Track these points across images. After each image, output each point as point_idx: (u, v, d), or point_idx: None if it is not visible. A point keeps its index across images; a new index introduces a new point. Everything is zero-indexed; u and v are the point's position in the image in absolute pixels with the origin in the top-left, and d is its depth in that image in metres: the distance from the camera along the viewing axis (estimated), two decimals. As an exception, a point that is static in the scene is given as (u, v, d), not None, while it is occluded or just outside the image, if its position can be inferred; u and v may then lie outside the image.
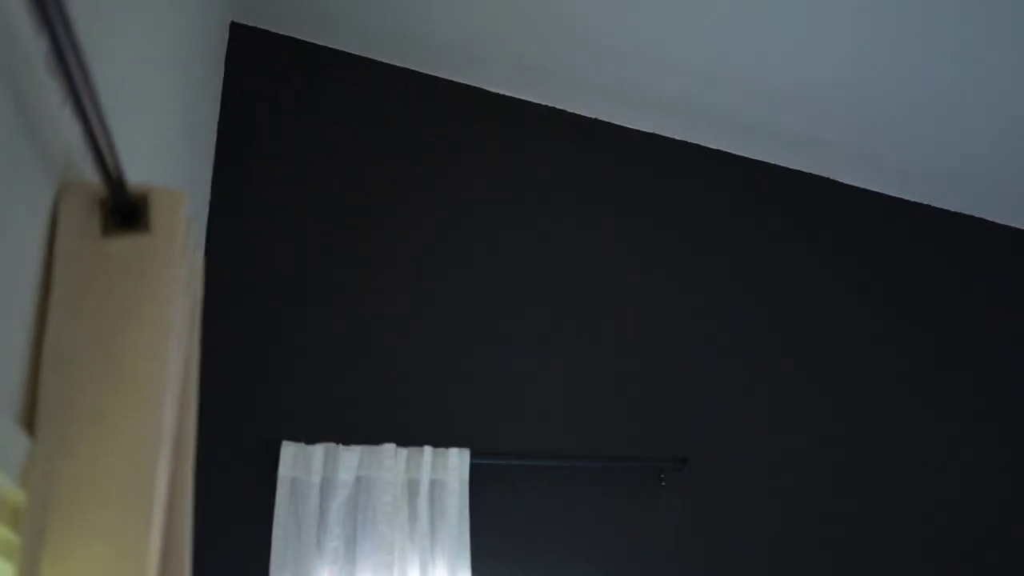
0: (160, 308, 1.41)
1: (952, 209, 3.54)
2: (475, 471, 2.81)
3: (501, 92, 3.28)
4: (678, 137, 3.36)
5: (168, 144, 2.34)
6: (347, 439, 2.78)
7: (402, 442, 2.78)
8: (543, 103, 3.30)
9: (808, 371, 3.22)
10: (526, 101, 3.29)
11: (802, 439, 3.13)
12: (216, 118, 3.10)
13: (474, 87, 3.28)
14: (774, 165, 3.42)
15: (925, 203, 3.53)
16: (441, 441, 2.83)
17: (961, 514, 3.12)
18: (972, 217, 3.54)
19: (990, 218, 3.56)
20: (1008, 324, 3.41)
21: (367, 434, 2.81)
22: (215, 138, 3.10)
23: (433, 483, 2.66)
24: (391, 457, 2.62)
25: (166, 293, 1.42)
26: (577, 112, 3.32)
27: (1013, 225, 3.58)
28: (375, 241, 3.07)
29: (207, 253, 2.97)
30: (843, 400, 3.21)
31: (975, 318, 3.40)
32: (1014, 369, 3.36)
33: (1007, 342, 3.38)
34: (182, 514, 1.56)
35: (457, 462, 2.66)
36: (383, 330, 2.96)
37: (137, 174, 2.03)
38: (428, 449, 2.65)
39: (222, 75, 3.16)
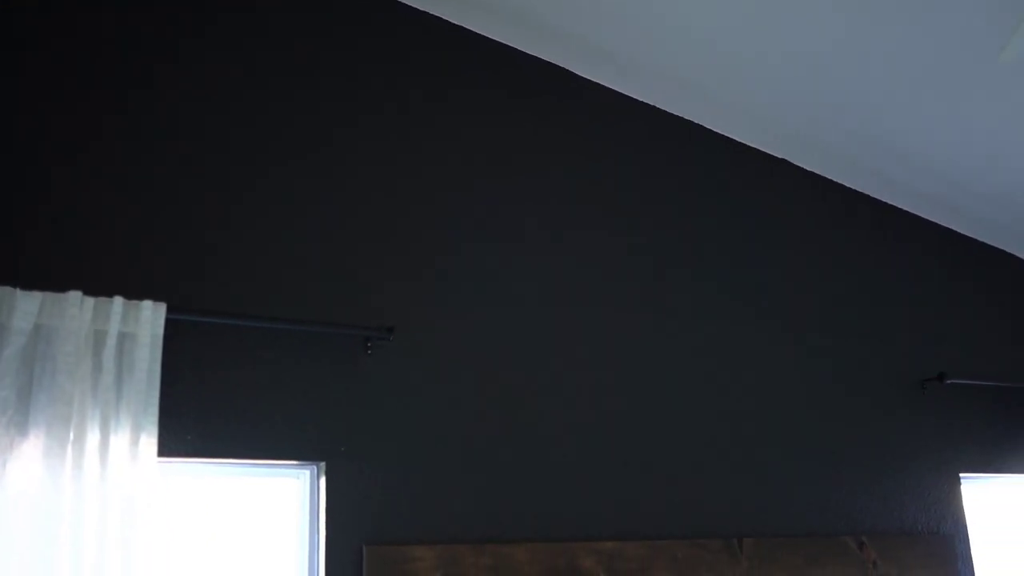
0: None
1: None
2: (173, 327, 2.66)
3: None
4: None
5: None
6: (28, 283, 2.53)
7: (91, 291, 2.58)
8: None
9: (520, 244, 3.29)
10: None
11: (511, 311, 3.21)
12: None
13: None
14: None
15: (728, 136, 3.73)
16: (134, 293, 2.65)
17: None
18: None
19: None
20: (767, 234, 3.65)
21: (51, 279, 2.58)
22: None
23: (122, 336, 2.49)
24: (76, 305, 2.42)
25: None
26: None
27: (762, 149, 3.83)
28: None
29: None
30: (551, 273, 3.31)
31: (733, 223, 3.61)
32: (765, 275, 3.60)
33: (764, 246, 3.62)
34: None
35: (150, 315, 2.50)
36: (71, 165, 2.71)
37: None
38: (118, 300, 2.47)
39: None
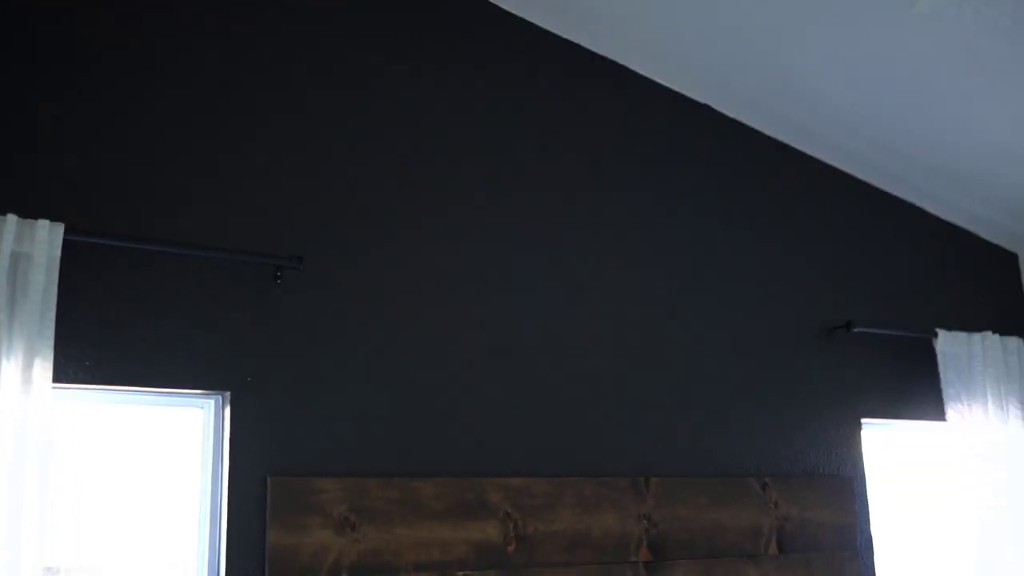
0: None
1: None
2: (73, 250, 2.57)
3: None
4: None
5: None
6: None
7: (-17, 208, 2.47)
8: None
9: (432, 176, 3.25)
10: None
11: (423, 242, 3.17)
12: None
13: None
14: None
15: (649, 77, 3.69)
16: (31, 211, 2.54)
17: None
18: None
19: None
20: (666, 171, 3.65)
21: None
22: None
23: (16, 256, 2.39)
24: (-34, 222, 2.32)
25: None
26: None
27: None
28: None
29: None
30: (462, 205, 3.28)
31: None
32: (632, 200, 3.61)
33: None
34: None
35: (47, 235, 2.41)
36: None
37: None
38: (12, 218, 2.37)
39: None
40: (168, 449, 2.84)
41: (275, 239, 2.92)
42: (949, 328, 4.23)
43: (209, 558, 2.74)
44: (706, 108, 3.90)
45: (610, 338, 3.46)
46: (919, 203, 4.44)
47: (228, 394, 2.79)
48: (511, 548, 3.06)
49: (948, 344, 4.18)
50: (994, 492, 4.07)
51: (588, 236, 3.50)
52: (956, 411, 4.12)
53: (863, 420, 4.01)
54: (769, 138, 4.04)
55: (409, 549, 2.90)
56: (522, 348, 3.27)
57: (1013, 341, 4.37)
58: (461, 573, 2.96)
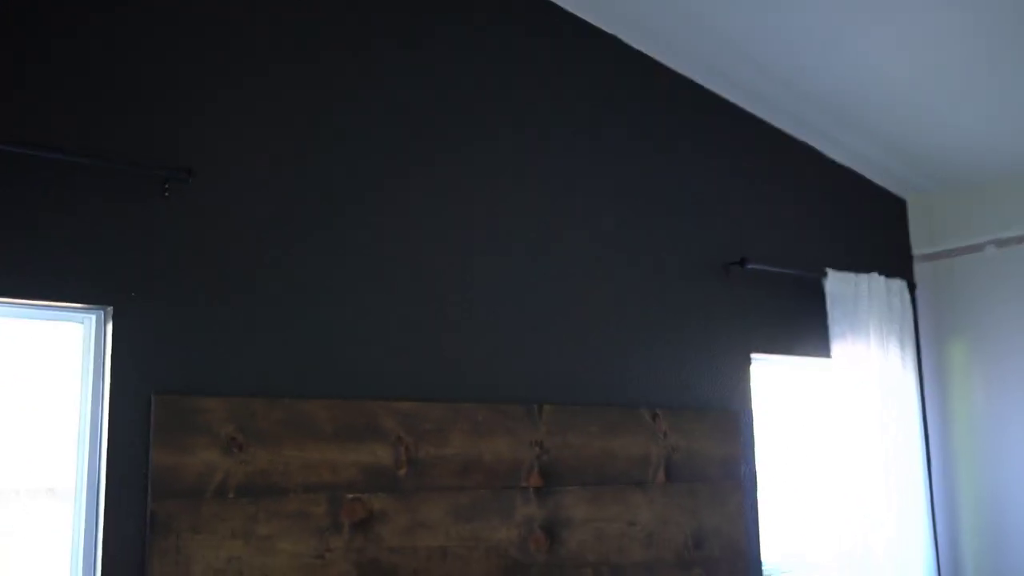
0: None
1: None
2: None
3: None
4: None
5: None
6: None
7: None
8: None
9: (326, 89, 3.16)
10: None
11: (316, 156, 3.08)
12: None
13: None
14: None
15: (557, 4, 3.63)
16: None
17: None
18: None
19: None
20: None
21: None
22: None
23: None
24: None
25: None
26: None
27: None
28: None
29: None
30: (358, 118, 3.20)
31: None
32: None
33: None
34: None
35: (-89, 132, 2.26)
36: None
37: None
38: None
39: None
40: (47, 366, 2.72)
41: (163, 150, 2.79)
42: (838, 268, 4.34)
43: (89, 479, 2.65)
44: (613, 39, 3.87)
45: (506, 267, 3.44)
46: (816, 145, 4.51)
47: (110, 309, 2.68)
48: (402, 472, 3.05)
49: (836, 284, 4.30)
50: (872, 425, 4.23)
51: (484, 165, 3.46)
52: (841, 348, 4.25)
53: (752, 355, 4.10)
54: (672, 72, 4.04)
55: (298, 471, 2.86)
56: (418, 273, 3.23)
57: (897, 283, 4.52)
58: (351, 495, 2.94)
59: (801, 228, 4.41)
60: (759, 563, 3.96)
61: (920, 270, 4.79)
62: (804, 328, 4.29)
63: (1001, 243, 4.52)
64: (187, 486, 2.69)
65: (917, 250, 4.82)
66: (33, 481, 2.69)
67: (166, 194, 2.77)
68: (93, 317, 2.72)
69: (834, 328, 4.25)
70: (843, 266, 4.38)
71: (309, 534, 2.86)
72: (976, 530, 4.48)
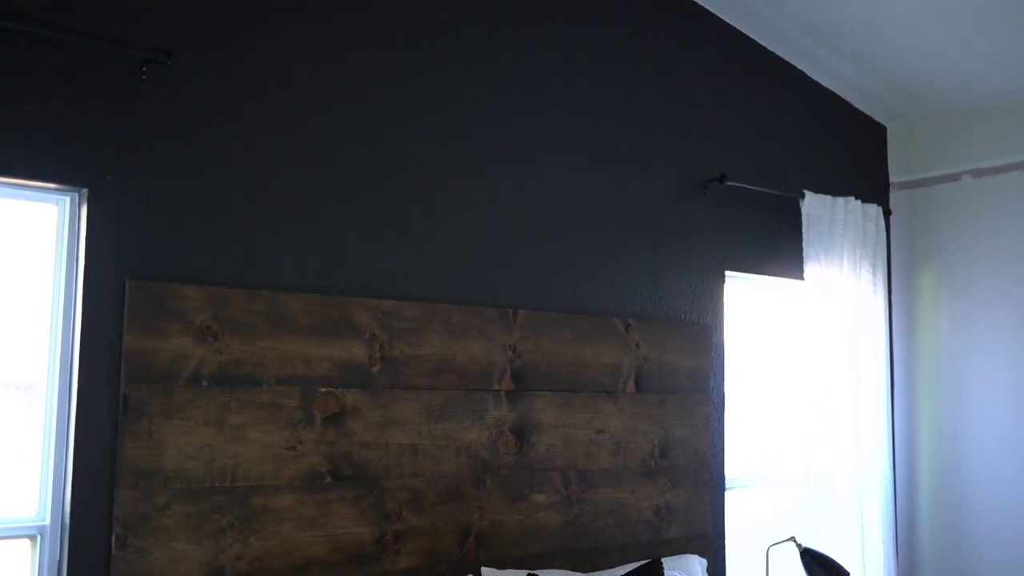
0: None
1: None
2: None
3: None
4: None
5: None
6: None
7: None
8: None
9: (321, -6, 3.09)
10: None
11: (300, 39, 3.03)
12: None
13: None
14: None
15: None
16: None
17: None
18: None
19: None
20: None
21: None
22: None
23: None
24: None
25: None
26: None
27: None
28: None
29: None
30: (347, 7, 3.14)
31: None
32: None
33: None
34: None
35: None
36: None
37: None
38: None
39: None
40: (18, 247, 2.69)
41: (142, 31, 2.73)
42: (815, 191, 4.35)
43: (62, 363, 2.65)
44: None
45: (488, 175, 3.42)
46: (802, 67, 4.49)
47: (85, 191, 2.65)
48: (376, 368, 3.06)
49: (813, 206, 4.32)
50: (841, 349, 4.29)
51: (469, 76, 3.41)
52: (814, 270, 4.28)
53: (727, 272, 4.13)
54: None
55: (272, 362, 2.87)
56: (402, 171, 3.21)
57: (873, 208, 4.54)
58: (324, 389, 2.96)
59: (781, 149, 4.40)
60: (723, 475, 4.04)
61: (896, 197, 4.81)
62: (778, 249, 4.32)
63: (978, 173, 4.54)
64: (160, 372, 2.69)
65: (895, 177, 4.83)
66: (5, 375, 2.67)
67: (144, 76, 2.71)
68: (67, 199, 2.68)
69: (808, 250, 4.28)
70: (821, 189, 4.39)
71: (281, 425, 2.88)
72: (932, 455, 4.58)
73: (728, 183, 4.01)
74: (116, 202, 2.68)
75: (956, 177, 4.63)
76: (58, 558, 2.57)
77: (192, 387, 2.73)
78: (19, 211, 2.67)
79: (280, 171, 2.96)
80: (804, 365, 4.26)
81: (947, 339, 4.58)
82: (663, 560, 3.35)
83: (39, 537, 2.58)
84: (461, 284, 3.30)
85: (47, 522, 2.59)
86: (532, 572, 3.09)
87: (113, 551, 2.59)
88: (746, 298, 4.33)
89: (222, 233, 2.84)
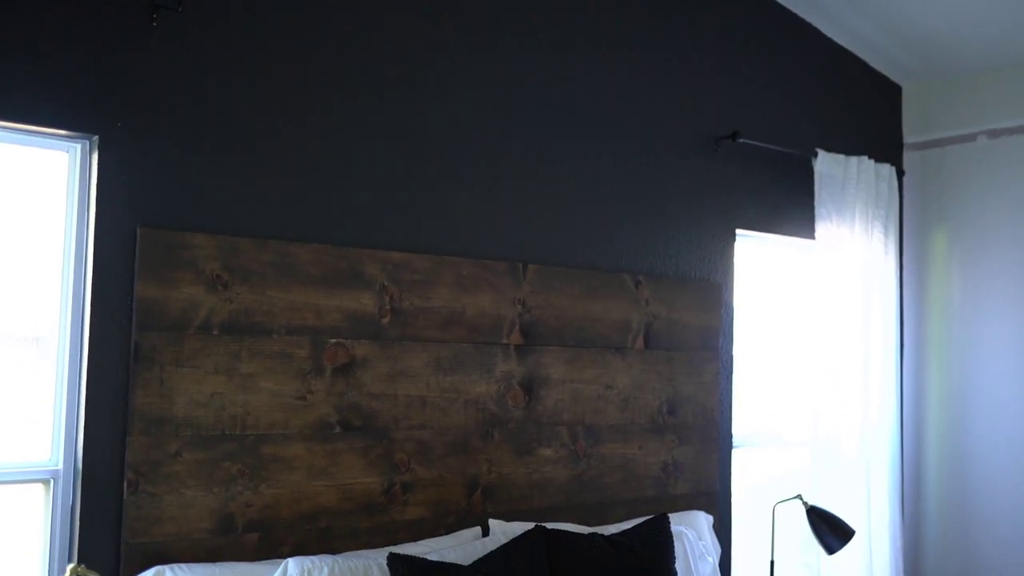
0: None
1: None
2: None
3: None
4: None
5: None
6: None
7: None
8: None
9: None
10: None
11: None
12: None
13: None
14: None
15: None
16: None
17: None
18: None
19: None
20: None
21: None
22: None
23: None
24: None
25: None
26: None
27: None
28: None
29: None
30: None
31: None
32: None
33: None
34: None
35: None
36: None
37: None
38: None
39: None
40: (30, 194, 2.69)
41: (152, -22, 2.71)
42: (829, 150, 4.32)
43: (73, 311, 2.66)
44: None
45: (502, 127, 3.40)
46: (818, 24, 4.44)
47: (96, 138, 2.65)
48: (385, 320, 3.07)
49: (826, 164, 4.29)
50: (851, 309, 4.28)
51: (480, 27, 3.39)
52: (825, 230, 4.26)
53: (737, 231, 4.11)
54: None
55: (282, 312, 2.88)
56: (414, 124, 3.19)
57: (886, 168, 4.51)
58: (333, 340, 2.97)
59: (795, 108, 4.37)
60: (730, 434, 4.05)
61: (910, 158, 4.78)
62: (790, 207, 4.29)
63: (994, 134, 4.50)
64: (171, 320, 2.70)
65: (909, 138, 4.79)
66: (17, 328, 2.69)
67: (154, 23, 2.70)
68: (78, 146, 2.68)
69: (820, 209, 4.25)
70: (834, 148, 4.35)
71: (291, 375, 2.89)
72: (940, 416, 4.58)
73: (740, 140, 3.99)
74: (127, 150, 2.67)
75: (971, 138, 4.59)
76: (71, 502, 2.61)
77: (203, 335, 2.74)
78: (30, 159, 2.67)
79: (291, 121, 2.95)
80: (813, 325, 4.26)
81: (958, 301, 4.57)
82: (669, 516, 3.38)
83: (52, 482, 2.61)
84: (471, 237, 3.30)
85: (60, 467, 2.61)
86: (539, 524, 3.12)
87: (125, 496, 2.61)
88: (757, 257, 4.31)
89: (232, 182, 2.84)
